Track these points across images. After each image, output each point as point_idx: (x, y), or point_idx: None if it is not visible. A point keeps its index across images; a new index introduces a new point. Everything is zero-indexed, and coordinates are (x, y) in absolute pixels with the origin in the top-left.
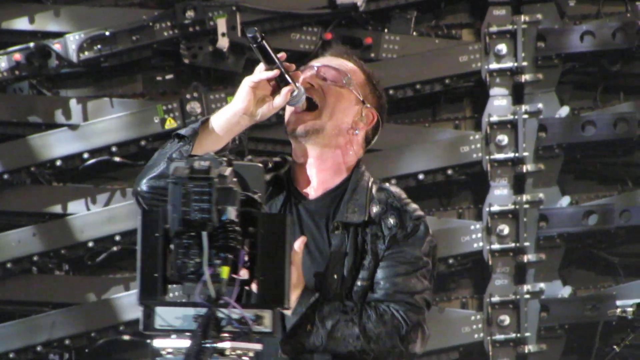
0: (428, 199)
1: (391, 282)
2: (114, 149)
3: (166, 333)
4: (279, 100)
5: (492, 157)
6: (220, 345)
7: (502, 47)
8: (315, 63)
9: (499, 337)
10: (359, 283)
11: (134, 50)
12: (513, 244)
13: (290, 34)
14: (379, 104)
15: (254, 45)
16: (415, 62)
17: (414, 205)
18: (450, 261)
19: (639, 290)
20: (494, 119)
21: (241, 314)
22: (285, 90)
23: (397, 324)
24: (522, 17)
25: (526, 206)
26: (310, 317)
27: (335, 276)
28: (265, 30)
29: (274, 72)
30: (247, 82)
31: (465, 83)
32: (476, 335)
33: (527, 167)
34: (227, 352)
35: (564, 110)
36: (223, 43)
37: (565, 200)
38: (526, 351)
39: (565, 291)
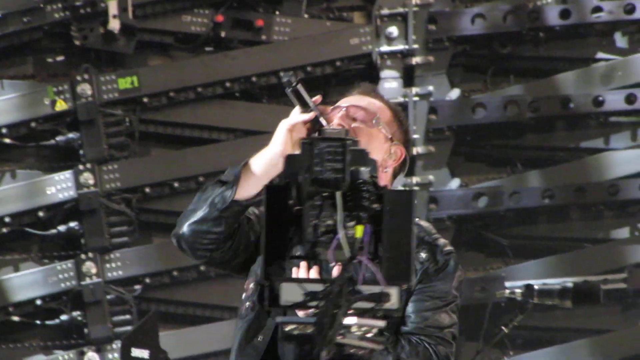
0: None
1: (422, 317)
2: (4, 130)
3: (292, 308)
4: None
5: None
6: (347, 321)
7: (393, 30)
8: (344, 103)
9: None
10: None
11: (24, 32)
12: None
13: (182, 16)
14: (405, 140)
15: (289, 90)
16: (306, 44)
17: (443, 240)
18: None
19: (527, 272)
20: None
21: (374, 273)
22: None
23: (429, 356)
24: (413, 0)
25: (416, 188)
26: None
27: None
28: (157, 12)
29: (310, 115)
30: (284, 126)
31: (356, 65)
32: None
33: (418, 150)
34: (354, 329)
35: (455, 93)
36: (114, 25)
37: (455, 183)
38: None
39: None
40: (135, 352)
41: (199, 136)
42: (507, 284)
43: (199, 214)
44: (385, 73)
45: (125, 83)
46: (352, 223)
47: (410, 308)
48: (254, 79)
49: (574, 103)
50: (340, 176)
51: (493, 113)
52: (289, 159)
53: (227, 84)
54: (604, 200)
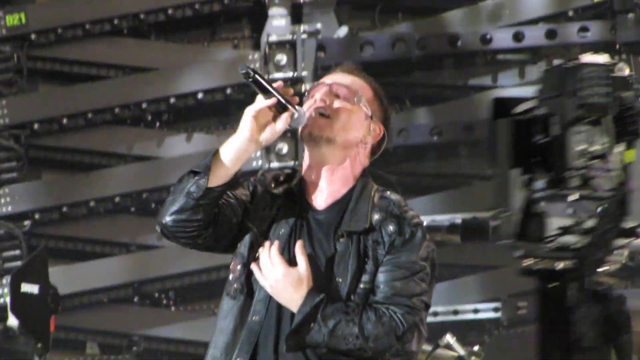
0: (207, 118)
1: (390, 286)
2: None
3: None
4: (280, 125)
5: (271, 76)
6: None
7: None
8: (328, 80)
9: None
10: (361, 286)
11: None
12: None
13: None
14: (385, 118)
15: (249, 80)
16: None
17: (412, 213)
18: None
19: (416, 208)
20: (273, 38)
21: None
22: (284, 115)
23: (394, 325)
24: None
25: None
26: (313, 316)
27: (340, 280)
28: None
29: (273, 100)
30: (248, 112)
31: (244, 3)
32: None
33: (306, 87)
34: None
35: (343, 31)
36: None
37: None
38: None
39: None
40: (25, 287)
41: (87, 73)
42: None
43: (177, 204)
44: (273, 11)
45: (12, 20)
46: (620, 148)
47: (379, 278)
48: (142, 16)
49: (462, 41)
50: (610, 100)
51: (381, 51)
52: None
53: (115, 21)
54: None
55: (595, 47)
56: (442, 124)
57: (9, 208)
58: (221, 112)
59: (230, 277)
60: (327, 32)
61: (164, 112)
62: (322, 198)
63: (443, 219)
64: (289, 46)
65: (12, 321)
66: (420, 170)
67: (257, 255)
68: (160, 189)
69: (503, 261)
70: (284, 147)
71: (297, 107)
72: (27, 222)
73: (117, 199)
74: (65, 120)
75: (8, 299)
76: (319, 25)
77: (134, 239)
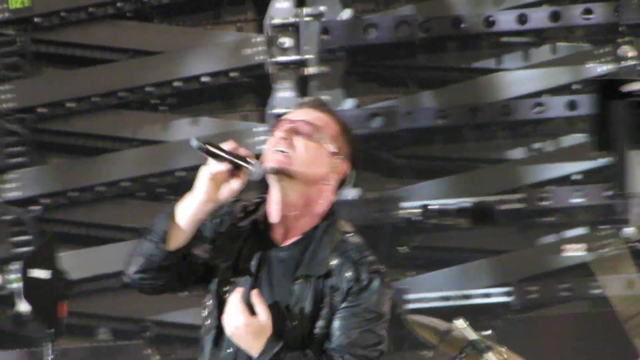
0: (212, 102)
1: (346, 335)
2: None
3: None
4: (237, 184)
5: (275, 59)
6: None
7: None
8: (291, 116)
9: None
10: (316, 330)
11: None
12: None
13: None
14: (351, 153)
15: (202, 153)
16: None
17: (371, 259)
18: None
19: (423, 192)
20: (276, 21)
21: None
22: (241, 175)
23: None
24: None
25: None
26: None
27: (296, 322)
28: None
29: (225, 166)
30: (204, 175)
31: None
32: None
33: (310, 70)
34: None
35: (346, 13)
36: None
37: (349, 103)
38: None
39: (353, 193)
40: (36, 272)
41: (91, 56)
42: (405, 204)
43: (141, 265)
44: None
45: (16, 2)
46: None
47: (335, 325)
48: None
49: (466, 23)
50: None
51: (385, 33)
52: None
53: (119, 4)
54: (497, 121)
55: (599, 29)
56: (447, 107)
57: (18, 193)
58: (226, 95)
59: (204, 312)
60: (330, 14)
61: (168, 96)
62: (285, 234)
63: (451, 202)
64: (292, 29)
65: (24, 306)
66: (427, 153)
67: (225, 290)
68: (166, 173)
69: (514, 245)
70: (287, 41)
71: (252, 161)
72: (36, 208)
73: (123, 184)
74: (70, 104)
75: (19, 285)
76: (322, 8)
77: (142, 224)
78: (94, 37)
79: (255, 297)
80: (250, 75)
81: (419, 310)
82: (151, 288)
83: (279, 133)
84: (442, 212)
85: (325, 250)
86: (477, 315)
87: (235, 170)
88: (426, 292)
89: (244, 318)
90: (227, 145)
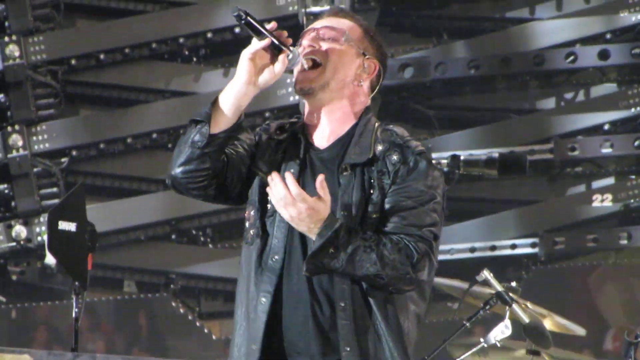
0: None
1: (400, 216)
2: None
3: None
4: (278, 66)
5: (308, 10)
6: None
7: None
8: (315, 25)
9: None
10: (368, 216)
11: None
12: None
13: None
14: (379, 53)
15: (242, 23)
16: None
17: (415, 142)
18: (267, 114)
19: (453, 142)
20: None
21: None
22: (281, 56)
23: (409, 253)
24: None
25: None
26: (333, 241)
27: (344, 212)
28: None
29: (265, 42)
30: (245, 55)
31: None
32: None
33: None
34: None
35: None
36: None
37: None
38: None
39: None
40: (63, 224)
41: (124, 7)
42: (434, 154)
43: (184, 156)
44: None
45: None
46: None
47: (387, 208)
48: None
49: None
50: None
51: None
52: None
53: None
54: (529, 71)
55: None
56: (479, 57)
57: (47, 145)
58: None
59: (246, 224)
60: None
61: (201, 47)
62: (324, 137)
63: (480, 153)
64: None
65: (50, 259)
66: (457, 104)
67: (269, 198)
68: None
69: (541, 196)
70: None
71: (291, 47)
72: (64, 159)
73: (154, 135)
74: (102, 56)
75: (46, 237)
76: None
77: None
78: None
79: (320, 182)
80: (283, 26)
81: (446, 262)
82: (195, 183)
83: (305, 41)
84: (471, 162)
85: (367, 139)
86: (503, 266)
87: (275, 52)
88: (453, 243)
89: (303, 198)
90: (269, 25)
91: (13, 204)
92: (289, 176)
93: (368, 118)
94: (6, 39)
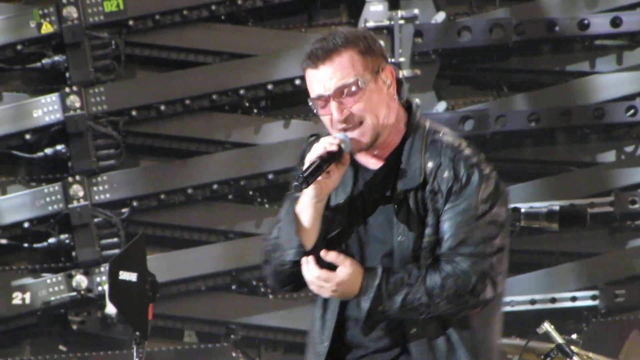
0: (305, 104)
1: (454, 237)
2: None
3: None
4: (342, 168)
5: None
6: None
7: None
8: (322, 90)
9: None
10: (425, 239)
11: None
12: None
13: None
14: (381, 54)
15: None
16: None
17: (467, 152)
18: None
19: (514, 196)
20: (370, 24)
21: None
22: (339, 164)
23: (462, 283)
24: None
25: None
26: (379, 298)
27: (403, 239)
28: None
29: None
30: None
31: None
32: None
33: (404, 73)
34: None
35: (440, 16)
36: None
37: (441, 106)
38: None
39: None
40: (124, 274)
41: (184, 59)
42: None
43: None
44: None
45: (110, 6)
46: None
47: (442, 229)
48: (239, 1)
49: (559, 26)
50: None
51: (478, 36)
52: None
53: (213, 7)
54: (589, 124)
55: None
56: (539, 110)
57: (107, 195)
58: None
59: None
60: (424, 17)
61: (261, 99)
62: (373, 158)
63: (541, 206)
64: (386, 32)
65: (111, 309)
66: (518, 156)
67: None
68: (258, 176)
69: (601, 249)
70: (381, 44)
71: (336, 146)
72: (125, 210)
73: (214, 186)
74: (163, 107)
75: (106, 287)
76: (416, 11)
77: (232, 227)
78: (187, 40)
79: (326, 256)
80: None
81: (506, 314)
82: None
83: (330, 116)
84: (532, 215)
85: (417, 158)
86: (564, 319)
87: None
88: (513, 295)
89: (332, 276)
90: (313, 154)
91: (74, 254)
92: (309, 261)
93: (415, 126)
94: (67, 89)
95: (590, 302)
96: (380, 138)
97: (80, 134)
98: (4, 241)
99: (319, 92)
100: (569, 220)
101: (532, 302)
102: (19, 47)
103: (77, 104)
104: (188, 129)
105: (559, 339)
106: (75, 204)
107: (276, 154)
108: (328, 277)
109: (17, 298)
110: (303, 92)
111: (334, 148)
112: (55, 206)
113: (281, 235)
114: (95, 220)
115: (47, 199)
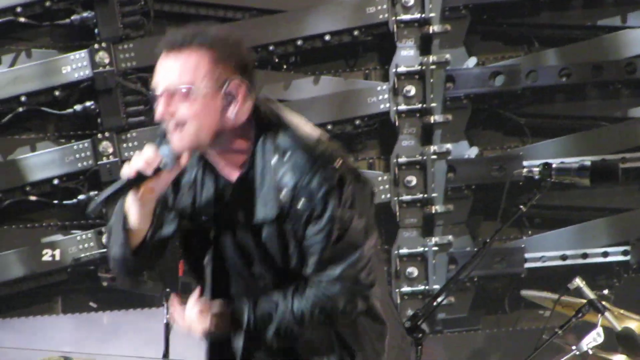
0: (334, 60)
1: (318, 261)
2: (18, 9)
3: None
4: (164, 180)
5: (398, 18)
6: None
7: None
8: (157, 85)
9: (406, 197)
10: (291, 266)
11: None
12: (420, 105)
13: None
14: (240, 65)
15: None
16: None
17: (320, 170)
18: (357, 122)
19: (545, 151)
20: (402, 69)
21: None
22: (159, 177)
23: (330, 306)
24: None
25: (432, 67)
26: (251, 336)
27: (266, 268)
28: None
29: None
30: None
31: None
32: (383, 196)
33: (434, 28)
34: None
35: (472, 61)
36: None
37: (471, 61)
38: (433, 211)
39: (472, 152)
40: None
41: (213, 15)
42: (525, 162)
43: (124, 269)
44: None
45: None
46: None
47: (306, 256)
48: None
49: None
50: None
51: None
52: None
53: None
54: (621, 79)
55: None
56: (570, 65)
57: (137, 152)
58: (348, 54)
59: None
60: (456, 62)
61: (291, 54)
62: (228, 171)
63: (572, 161)
64: (417, 77)
65: None
66: (549, 112)
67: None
68: None
69: (632, 204)
70: (412, 90)
71: (152, 165)
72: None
73: None
74: None
75: None
76: (448, 56)
77: None
78: None
79: (175, 306)
80: (373, 34)
81: (537, 270)
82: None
83: (157, 113)
84: (563, 170)
85: (271, 191)
86: (595, 274)
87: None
88: (544, 251)
89: (196, 318)
90: (125, 172)
91: (103, 210)
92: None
93: (263, 145)
94: (96, 46)
95: (621, 258)
96: (206, 150)
97: (109, 91)
98: (33, 198)
99: (154, 83)
100: (601, 176)
101: (564, 257)
102: (47, 3)
103: (106, 60)
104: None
105: (590, 295)
106: (104, 160)
107: (305, 110)
108: (196, 320)
109: (47, 255)
110: (333, 47)
111: (132, 175)
112: (85, 163)
113: (113, 226)
114: None
115: (77, 156)
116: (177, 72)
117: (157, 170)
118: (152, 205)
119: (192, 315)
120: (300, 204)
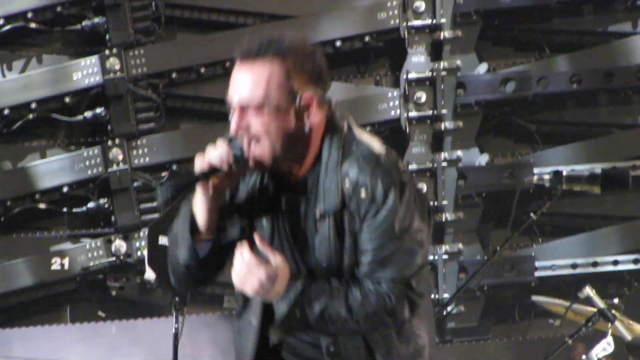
0: (345, 66)
1: (373, 259)
2: (29, 14)
3: None
4: (233, 180)
5: (410, 23)
6: None
7: None
8: (232, 97)
9: None
10: (345, 262)
11: None
12: (430, 112)
13: None
14: (311, 76)
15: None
16: None
17: (384, 165)
18: (368, 129)
19: (556, 158)
20: (412, 75)
21: None
22: (229, 177)
23: (381, 302)
24: None
25: (443, 73)
26: (298, 304)
27: (321, 262)
28: None
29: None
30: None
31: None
32: None
33: (445, 34)
34: None
35: (483, 67)
36: None
37: (482, 68)
38: (443, 219)
39: (483, 159)
40: (163, 239)
41: (225, 20)
42: (535, 170)
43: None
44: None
45: None
46: None
47: (361, 252)
48: None
49: None
50: None
51: None
52: None
53: None
54: (632, 85)
55: None
56: (581, 72)
57: (147, 159)
58: (359, 60)
59: None
60: (467, 68)
61: None
62: (294, 166)
63: (583, 169)
64: (428, 83)
65: (150, 274)
66: (559, 118)
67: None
68: None
69: None
70: (422, 96)
71: (223, 164)
72: (164, 174)
73: None
74: (203, 69)
75: (145, 252)
76: (459, 62)
77: None
78: (227, 2)
79: (261, 243)
80: (384, 40)
81: (547, 278)
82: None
83: (231, 127)
84: (573, 178)
85: (334, 174)
86: (605, 282)
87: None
88: (554, 259)
89: (259, 269)
90: (198, 164)
91: (113, 218)
92: (243, 245)
93: (330, 142)
94: (107, 52)
95: (632, 266)
96: (281, 162)
97: (119, 97)
98: (42, 206)
99: (230, 95)
100: (611, 183)
101: (574, 266)
102: (58, 8)
103: (117, 67)
104: (228, 91)
105: (600, 304)
106: (114, 167)
107: None
108: (259, 265)
109: (55, 263)
110: (343, 54)
111: (205, 167)
112: (95, 170)
113: (178, 232)
114: (135, 184)
115: (87, 163)
116: (250, 84)
117: (229, 167)
118: (219, 204)
119: (250, 264)
120: (362, 196)
